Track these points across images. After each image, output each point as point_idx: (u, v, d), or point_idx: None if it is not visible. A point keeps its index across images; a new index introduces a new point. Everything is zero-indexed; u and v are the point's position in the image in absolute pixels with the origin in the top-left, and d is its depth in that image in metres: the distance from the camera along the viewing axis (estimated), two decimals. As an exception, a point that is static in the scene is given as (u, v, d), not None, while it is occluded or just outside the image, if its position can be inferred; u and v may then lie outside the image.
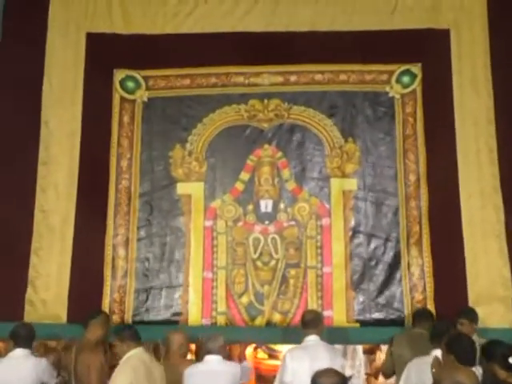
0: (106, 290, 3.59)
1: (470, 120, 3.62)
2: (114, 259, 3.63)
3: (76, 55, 3.89)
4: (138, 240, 3.68)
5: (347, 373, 3.91)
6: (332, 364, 3.29)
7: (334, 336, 3.42)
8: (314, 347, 3.34)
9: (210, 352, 3.30)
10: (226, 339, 3.13)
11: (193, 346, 3.61)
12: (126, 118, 3.85)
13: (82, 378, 3.15)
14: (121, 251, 3.65)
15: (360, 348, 4.71)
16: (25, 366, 3.01)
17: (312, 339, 3.38)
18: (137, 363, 2.78)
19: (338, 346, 3.95)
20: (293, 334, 3.37)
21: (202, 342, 3.37)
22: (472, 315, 3.58)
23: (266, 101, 3.85)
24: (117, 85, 3.87)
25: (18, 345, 3.05)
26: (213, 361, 3.30)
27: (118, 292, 3.61)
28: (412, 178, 3.68)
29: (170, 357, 3.26)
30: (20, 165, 3.71)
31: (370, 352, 5.28)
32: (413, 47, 3.74)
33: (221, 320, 3.59)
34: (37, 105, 3.80)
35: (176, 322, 3.55)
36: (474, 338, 3.44)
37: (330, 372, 2.47)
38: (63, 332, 3.47)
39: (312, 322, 3.47)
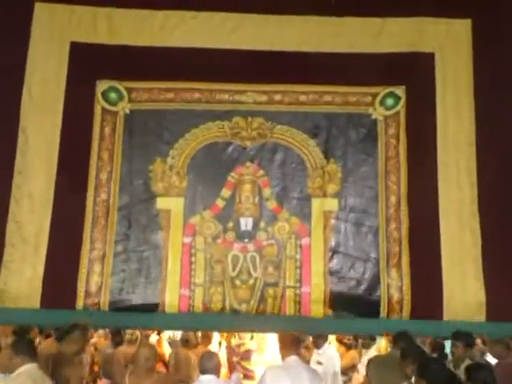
0: (80, 306, 3.49)
1: (452, 143, 3.68)
2: (88, 274, 3.54)
3: (59, 64, 3.82)
4: (115, 255, 3.60)
5: None
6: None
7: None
8: (295, 368, 3.33)
9: (205, 372, 3.28)
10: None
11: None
12: (107, 130, 3.78)
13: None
14: (96, 266, 3.56)
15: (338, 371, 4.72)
16: None
17: (293, 359, 3.38)
18: (26, 381, 2.67)
19: (317, 368, 3.95)
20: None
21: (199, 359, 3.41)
22: (467, 340, 3.63)
23: (249, 118, 3.84)
24: (99, 95, 3.81)
25: None
26: (209, 381, 3.31)
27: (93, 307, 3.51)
28: (393, 199, 3.70)
29: (136, 371, 3.20)
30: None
31: (344, 373, 5.26)
32: (397, 70, 3.79)
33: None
34: (15, 112, 3.72)
35: None
36: (467, 361, 3.49)
37: None
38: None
39: (293, 344, 3.46)
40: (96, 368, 5.46)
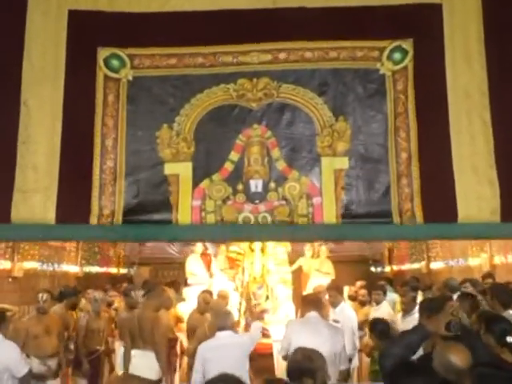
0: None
1: (464, 94, 3.59)
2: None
3: (58, 33, 3.76)
4: (123, 222, 3.57)
5: (348, 351, 4.02)
6: (333, 341, 3.83)
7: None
8: (314, 324, 3.75)
9: (222, 329, 3.71)
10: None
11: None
12: (110, 97, 3.73)
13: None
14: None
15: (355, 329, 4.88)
16: None
17: (313, 316, 3.85)
18: None
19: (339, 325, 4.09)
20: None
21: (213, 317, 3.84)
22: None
23: (254, 80, 3.77)
24: (101, 63, 3.74)
25: None
26: (225, 336, 3.83)
27: None
28: (404, 155, 3.63)
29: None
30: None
31: (360, 328, 5.37)
32: (404, 23, 3.68)
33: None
34: (16, 83, 3.66)
35: None
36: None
37: None
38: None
39: (313, 303, 4.00)
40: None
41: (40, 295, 5.48)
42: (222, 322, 3.88)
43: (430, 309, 3.43)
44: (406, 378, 2.28)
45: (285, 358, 3.88)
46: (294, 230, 3.62)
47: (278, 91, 3.74)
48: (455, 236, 4.38)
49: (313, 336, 3.65)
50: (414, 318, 4.31)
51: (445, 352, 2.63)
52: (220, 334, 3.92)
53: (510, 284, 4.90)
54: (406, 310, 5.12)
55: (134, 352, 4.91)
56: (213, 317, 4.44)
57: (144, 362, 4.78)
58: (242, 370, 3.71)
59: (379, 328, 3.97)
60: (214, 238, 4.13)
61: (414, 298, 5.14)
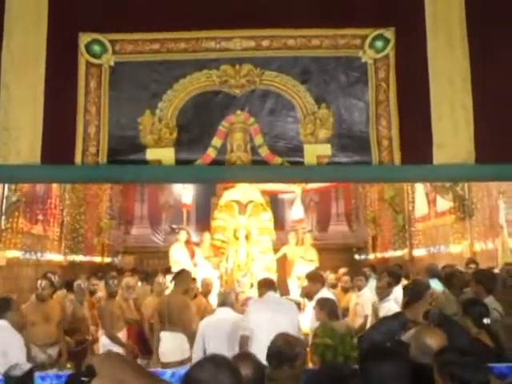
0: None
1: (446, 81, 3.62)
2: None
3: (38, 17, 3.70)
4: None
5: (302, 325, 4.44)
6: (291, 315, 4.48)
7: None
8: (273, 301, 4.46)
9: (222, 305, 4.51)
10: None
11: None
12: (92, 84, 3.69)
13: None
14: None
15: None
16: None
17: (271, 294, 4.54)
18: None
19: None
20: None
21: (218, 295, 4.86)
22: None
23: (237, 66, 3.76)
24: (82, 49, 3.70)
25: None
26: (223, 312, 4.49)
27: None
28: (385, 143, 3.67)
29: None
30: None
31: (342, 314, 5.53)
32: (386, 11, 3.70)
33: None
34: (-4, 68, 3.62)
35: None
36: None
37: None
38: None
39: (269, 283, 4.72)
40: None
41: (39, 282, 5.49)
42: (224, 298, 4.51)
43: (409, 297, 3.53)
44: (374, 363, 2.29)
45: (246, 337, 4.25)
46: (276, 171, 3.69)
47: (260, 78, 3.74)
48: (431, 178, 4.55)
49: (273, 312, 4.26)
50: (389, 304, 4.40)
51: (420, 335, 2.70)
52: (219, 310, 4.52)
53: (492, 270, 5.03)
54: (381, 296, 5.17)
55: (162, 334, 5.36)
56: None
57: (173, 343, 5.22)
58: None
59: (327, 305, 4.37)
60: (201, 179, 4.21)
61: (389, 284, 5.19)
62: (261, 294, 4.65)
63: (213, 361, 1.70)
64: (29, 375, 1.81)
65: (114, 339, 5.71)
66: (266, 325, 4.11)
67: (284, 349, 2.73)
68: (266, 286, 4.68)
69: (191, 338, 5.01)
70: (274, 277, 7.95)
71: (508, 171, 3.63)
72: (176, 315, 5.26)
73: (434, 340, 2.55)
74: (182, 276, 5.78)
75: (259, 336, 4.05)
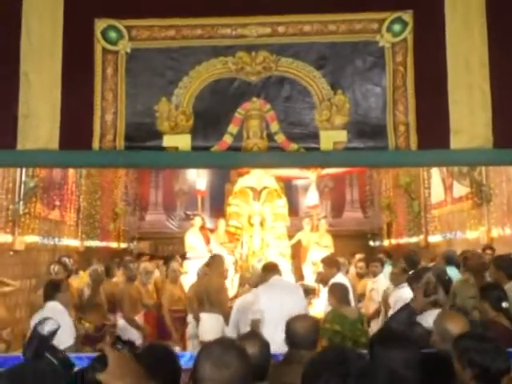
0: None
1: (464, 66, 3.57)
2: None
3: (54, 4, 3.72)
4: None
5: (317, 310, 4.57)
6: (298, 296, 4.74)
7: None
8: (280, 284, 4.72)
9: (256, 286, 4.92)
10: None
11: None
12: (109, 70, 3.71)
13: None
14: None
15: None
16: None
17: (277, 278, 4.78)
18: None
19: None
20: None
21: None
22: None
23: (253, 53, 3.75)
24: (98, 35, 3.71)
25: None
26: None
27: None
28: (402, 128, 3.65)
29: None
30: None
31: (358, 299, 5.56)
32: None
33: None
34: (15, 56, 3.65)
35: None
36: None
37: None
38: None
39: (274, 268, 4.89)
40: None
41: (52, 267, 5.57)
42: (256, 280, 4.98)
43: (411, 281, 3.60)
44: (383, 349, 2.23)
45: (258, 321, 4.44)
46: (291, 157, 3.71)
47: (276, 65, 3.72)
48: (448, 162, 4.59)
49: (281, 295, 4.50)
50: (403, 291, 4.37)
51: (442, 320, 2.70)
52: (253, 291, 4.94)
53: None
54: (395, 282, 5.10)
55: (202, 315, 5.74)
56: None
57: (211, 323, 5.55)
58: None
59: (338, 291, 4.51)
60: (217, 165, 4.26)
61: (404, 270, 5.10)
62: (266, 279, 4.80)
63: (220, 343, 1.73)
64: (52, 336, 1.84)
65: (131, 322, 5.81)
66: (275, 308, 4.35)
67: (308, 331, 2.74)
68: (270, 270, 4.86)
69: (227, 318, 5.35)
70: (288, 263, 8.00)
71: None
72: (214, 297, 5.63)
73: (455, 325, 2.54)
74: (217, 260, 6.19)
75: (269, 318, 4.31)
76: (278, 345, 2.91)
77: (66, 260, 6.76)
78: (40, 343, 1.78)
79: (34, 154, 3.64)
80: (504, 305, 3.34)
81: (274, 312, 4.27)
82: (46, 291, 4.45)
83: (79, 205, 10.84)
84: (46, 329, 1.84)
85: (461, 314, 2.79)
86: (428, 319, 3.12)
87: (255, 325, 4.44)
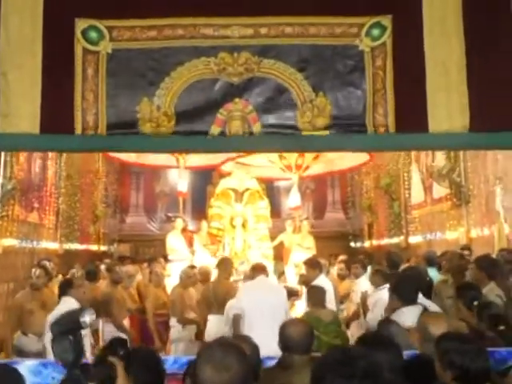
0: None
1: (441, 70, 3.63)
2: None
3: (34, 3, 3.68)
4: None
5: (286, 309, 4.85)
6: (280, 295, 4.85)
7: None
8: (264, 284, 4.90)
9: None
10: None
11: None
12: (89, 71, 3.68)
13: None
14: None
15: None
16: None
17: (262, 278, 4.93)
18: None
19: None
20: None
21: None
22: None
23: (235, 54, 3.75)
24: (79, 35, 3.68)
25: None
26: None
27: None
28: (381, 130, 3.69)
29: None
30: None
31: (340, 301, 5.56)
32: (383, -1, 3.71)
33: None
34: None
35: None
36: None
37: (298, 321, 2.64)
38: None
39: (260, 268, 5.03)
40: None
41: (33, 270, 5.48)
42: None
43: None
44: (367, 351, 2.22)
45: (238, 316, 4.60)
46: (271, 140, 3.75)
47: (258, 66, 3.73)
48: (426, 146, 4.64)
49: (263, 293, 4.70)
50: (383, 293, 4.39)
51: (423, 321, 2.72)
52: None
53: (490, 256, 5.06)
54: (375, 284, 5.10)
55: (209, 317, 5.77)
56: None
57: (218, 325, 5.49)
58: None
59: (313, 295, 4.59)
60: (203, 148, 4.23)
61: (378, 272, 5.09)
62: (253, 277, 4.99)
63: (220, 345, 1.72)
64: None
65: (120, 327, 5.74)
66: (256, 304, 4.55)
67: (302, 336, 2.72)
68: (257, 270, 5.03)
69: None
70: (271, 264, 8.01)
71: (502, 139, 3.67)
72: (222, 299, 5.61)
73: (437, 327, 2.55)
74: (225, 263, 6.27)
75: (251, 315, 4.49)
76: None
77: (46, 263, 6.64)
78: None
79: (15, 138, 3.58)
80: (476, 304, 3.39)
81: (254, 308, 4.50)
82: (61, 288, 4.76)
83: (58, 207, 10.70)
84: (88, 319, 1.88)
85: (443, 315, 2.82)
86: (401, 317, 3.17)
87: (236, 320, 4.58)
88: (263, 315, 4.43)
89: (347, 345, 4.01)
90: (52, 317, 4.20)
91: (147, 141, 3.67)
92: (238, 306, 4.68)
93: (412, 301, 3.31)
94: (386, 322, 3.20)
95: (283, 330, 2.73)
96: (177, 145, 3.90)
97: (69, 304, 4.32)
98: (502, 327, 3.16)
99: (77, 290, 4.71)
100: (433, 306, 3.67)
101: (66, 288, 4.73)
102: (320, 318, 4.28)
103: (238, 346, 1.75)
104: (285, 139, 3.71)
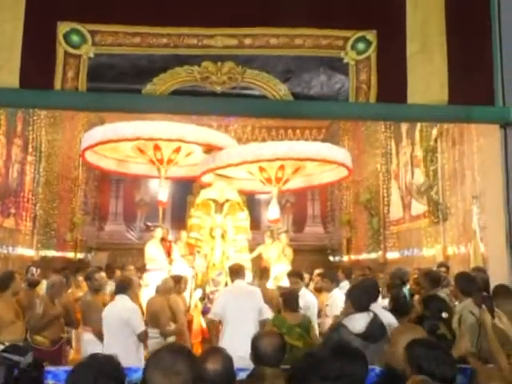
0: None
1: (423, 86, 3.68)
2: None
3: (16, 4, 3.62)
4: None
5: (266, 314, 4.91)
6: (256, 299, 4.95)
7: None
8: (240, 288, 5.05)
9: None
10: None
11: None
12: (70, 74, 3.64)
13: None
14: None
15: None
16: None
17: (239, 282, 5.07)
18: None
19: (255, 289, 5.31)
20: None
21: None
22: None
23: (219, 63, 3.75)
24: (60, 38, 3.64)
25: None
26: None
27: None
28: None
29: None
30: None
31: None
32: (369, 14, 3.75)
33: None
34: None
35: None
36: None
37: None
38: None
39: (240, 271, 5.14)
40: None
41: (31, 268, 5.49)
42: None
43: None
44: (334, 359, 2.13)
45: (211, 321, 4.96)
46: (250, 104, 3.79)
47: (242, 76, 3.74)
48: (404, 117, 4.64)
49: (241, 298, 4.84)
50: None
51: (398, 333, 2.73)
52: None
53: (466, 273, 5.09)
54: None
55: None
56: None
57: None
58: None
59: (285, 298, 4.72)
60: (185, 110, 4.13)
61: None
62: (232, 281, 5.22)
63: (169, 350, 1.68)
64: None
65: (100, 336, 5.59)
66: (232, 309, 4.73)
67: (273, 349, 2.68)
68: (233, 273, 5.19)
69: None
70: (250, 276, 7.95)
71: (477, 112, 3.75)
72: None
73: (413, 337, 2.56)
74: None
75: (228, 319, 4.70)
76: (235, 348, 2.88)
77: (33, 270, 6.50)
78: None
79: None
80: (444, 315, 3.57)
81: (230, 313, 4.70)
82: (120, 285, 4.92)
83: (36, 213, 10.50)
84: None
85: (418, 327, 2.82)
86: (352, 322, 3.30)
87: (213, 325, 4.90)
88: (241, 320, 4.51)
89: (309, 348, 4.03)
90: (107, 312, 4.70)
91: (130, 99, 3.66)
92: (215, 312, 4.88)
93: (364, 308, 3.39)
94: (338, 325, 3.39)
95: (255, 343, 2.70)
96: (164, 105, 3.87)
97: (123, 301, 4.64)
98: (444, 315, 3.59)
99: (133, 290, 4.90)
100: (383, 313, 3.82)
101: (125, 286, 4.86)
102: (285, 319, 4.46)
103: (188, 351, 1.71)
104: (257, 102, 3.76)
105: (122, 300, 4.71)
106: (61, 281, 6.05)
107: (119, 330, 4.52)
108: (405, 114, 3.84)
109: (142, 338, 4.63)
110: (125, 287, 4.84)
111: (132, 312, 4.63)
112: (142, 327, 4.62)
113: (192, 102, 3.64)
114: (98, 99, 3.61)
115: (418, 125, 8.63)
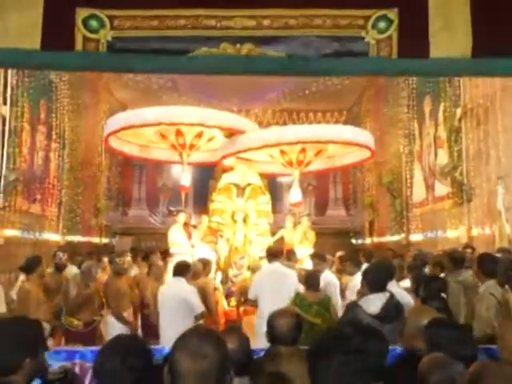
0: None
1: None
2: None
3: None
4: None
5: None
6: (293, 280, 5.20)
7: None
8: (279, 270, 5.28)
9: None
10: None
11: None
12: (89, 58, 3.65)
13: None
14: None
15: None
16: None
17: (274, 264, 5.32)
18: None
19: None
20: None
21: None
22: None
23: (238, 45, 3.72)
24: (79, 24, 3.65)
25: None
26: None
27: None
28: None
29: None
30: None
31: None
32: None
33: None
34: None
35: None
36: None
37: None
38: None
39: (275, 254, 5.40)
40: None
41: (58, 253, 5.71)
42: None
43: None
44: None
45: (250, 301, 5.24)
46: (273, 62, 3.71)
47: (261, 57, 3.69)
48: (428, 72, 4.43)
49: (278, 278, 5.11)
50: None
51: (414, 315, 2.72)
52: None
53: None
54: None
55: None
56: None
57: None
58: None
59: (306, 278, 4.86)
60: (209, 70, 4.12)
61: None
62: (269, 262, 5.45)
63: (196, 333, 1.69)
64: None
65: (119, 318, 5.68)
66: (268, 290, 4.99)
67: (289, 328, 2.70)
68: (271, 255, 5.42)
69: None
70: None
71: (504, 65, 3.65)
72: None
73: (429, 317, 2.56)
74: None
75: (263, 300, 4.97)
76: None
77: (60, 254, 6.66)
78: None
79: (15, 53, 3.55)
80: (443, 295, 3.72)
81: (266, 294, 4.96)
82: (179, 268, 5.09)
83: (61, 199, 10.69)
84: None
85: (433, 310, 2.81)
86: (367, 303, 3.30)
87: (251, 305, 5.24)
88: (277, 300, 4.52)
89: (328, 325, 4.11)
90: (163, 294, 4.96)
91: (156, 60, 3.69)
92: (251, 292, 5.19)
93: (379, 289, 3.37)
94: (353, 305, 3.43)
95: (271, 322, 2.73)
96: (187, 65, 3.84)
97: (180, 284, 4.90)
98: (443, 295, 3.70)
99: (189, 274, 5.07)
100: (400, 292, 3.82)
101: (184, 270, 5.06)
102: (305, 297, 4.60)
103: (215, 334, 1.72)
104: (272, 59, 3.67)
105: (179, 282, 4.92)
106: (94, 265, 6.15)
107: (177, 311, 4.69)
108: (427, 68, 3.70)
109: (199, 318, 4.81)
110: (182, 270, 5.02)
111: (191, 293, 4.85)
112: (201, 307, 4.81)
113: (217, 60, 3.64)
114: (121, 60, 3.62)
115: (442, 105, 8.47)
